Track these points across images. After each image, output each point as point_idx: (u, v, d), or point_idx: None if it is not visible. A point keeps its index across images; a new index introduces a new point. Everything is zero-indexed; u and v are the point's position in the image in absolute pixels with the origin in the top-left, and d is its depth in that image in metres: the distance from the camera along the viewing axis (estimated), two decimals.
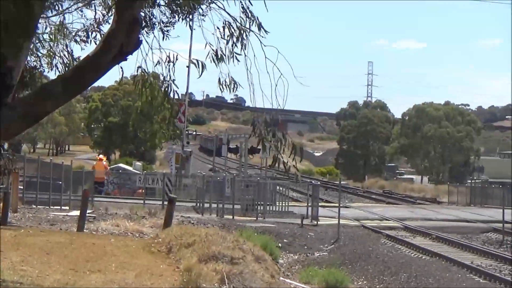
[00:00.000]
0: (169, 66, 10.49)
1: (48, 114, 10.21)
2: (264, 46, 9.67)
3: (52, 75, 12.36)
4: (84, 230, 20.99)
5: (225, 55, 10.04)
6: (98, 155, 54.94)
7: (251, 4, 9.79)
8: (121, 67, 10.23)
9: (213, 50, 10.10)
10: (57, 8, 11.68)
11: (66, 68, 12.03)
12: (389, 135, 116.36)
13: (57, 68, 12.26)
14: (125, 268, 12.99)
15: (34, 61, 12.54)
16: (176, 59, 10.53)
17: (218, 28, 10.04)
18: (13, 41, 8.76)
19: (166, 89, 10.64)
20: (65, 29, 11.82)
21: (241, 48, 9.93)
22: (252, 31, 9.81)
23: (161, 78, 10.61)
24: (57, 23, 11.89)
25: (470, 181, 62.70)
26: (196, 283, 11.76)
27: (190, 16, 10.64)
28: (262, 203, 33.21)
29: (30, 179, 34.20)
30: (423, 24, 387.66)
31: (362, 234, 29.38)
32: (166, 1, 10.51)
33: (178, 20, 10.71)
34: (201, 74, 10.15)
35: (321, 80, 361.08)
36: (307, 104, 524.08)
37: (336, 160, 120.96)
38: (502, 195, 38.65)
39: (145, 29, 10.43)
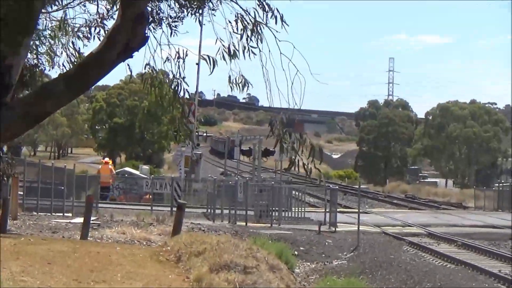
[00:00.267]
0: (178, 62, 10.48)
1: (50, 115, 10.20)
2: (279, 41, 9.63)
3: (54, 73, 12.38)
4: (88, 238, 20.97)
5: (238, 51, 9.99)
6: (103, 158, 55.10)
7: None
8: (128, 65, 10.24)
9: (224, 46, 10.07)
10: (58, 2, 11.69)
11: (70, 66, 12.04)
12: (412, 135, 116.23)
13: (59, 66, 12.28)
14: (131, 279, 12.97)
15: (34, 58, 12.56)
16: (186, 55, 10.52)
17: (230, 22, 10.01)
18: (12, 37, 8.76)
19: (176, 87, 10.63)
20: (67, 25, 11.81)
21: (257, 42, 9.88)
22: (268, 26, 9.76)
23: (170, 76, 10.59)
24: (59, 18, 11.90)
25: (497, 184, 62.39)
26: None
27: (200, 11, 10.62)
28: (277, 208, 33.14)
29: (31, 184, 34.11)
30: (449, 20, 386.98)
31: (383, 241, 29.28)
32: None
33: (187, 15, 10.69)
34: (212, 70, 10.13)
35: (339, 78, 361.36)
36: (325, 104, 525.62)
37: (355, 162, 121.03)
38: None
39: (152, 24, 10.42)
